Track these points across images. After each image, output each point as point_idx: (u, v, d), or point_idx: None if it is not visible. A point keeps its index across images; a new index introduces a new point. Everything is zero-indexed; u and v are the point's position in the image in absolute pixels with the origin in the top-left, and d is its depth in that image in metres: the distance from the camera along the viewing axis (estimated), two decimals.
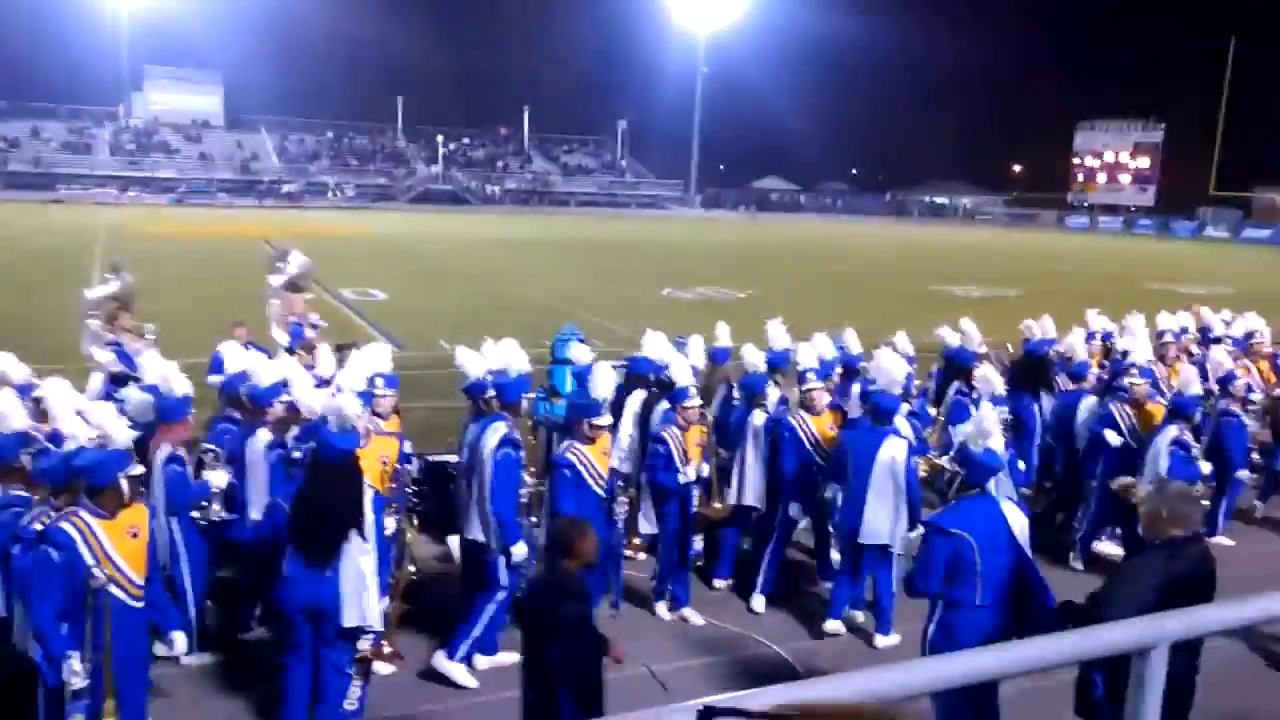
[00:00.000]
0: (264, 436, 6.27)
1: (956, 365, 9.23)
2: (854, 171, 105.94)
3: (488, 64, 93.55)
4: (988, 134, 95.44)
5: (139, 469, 4.87)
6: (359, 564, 5.05)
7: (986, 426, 5.08)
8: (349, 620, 5.04)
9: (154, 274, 16.53)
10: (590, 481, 6.39)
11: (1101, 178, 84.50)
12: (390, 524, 5.98)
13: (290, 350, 9.37)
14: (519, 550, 6.05)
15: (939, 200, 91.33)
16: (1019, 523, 4.93)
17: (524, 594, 5.17)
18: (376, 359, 6.78)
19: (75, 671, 4.43)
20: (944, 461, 5.23)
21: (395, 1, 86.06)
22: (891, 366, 7.09)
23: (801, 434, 7.26)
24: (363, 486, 5.27)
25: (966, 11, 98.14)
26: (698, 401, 7.20)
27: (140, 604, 4.73)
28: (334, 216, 52.22)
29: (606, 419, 6.59)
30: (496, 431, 6.12)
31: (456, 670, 5.96)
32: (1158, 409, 8.22)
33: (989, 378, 8.26)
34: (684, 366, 7.44)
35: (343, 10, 77.76)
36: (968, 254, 44.98)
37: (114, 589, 4.56)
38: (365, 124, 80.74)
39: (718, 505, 7.41)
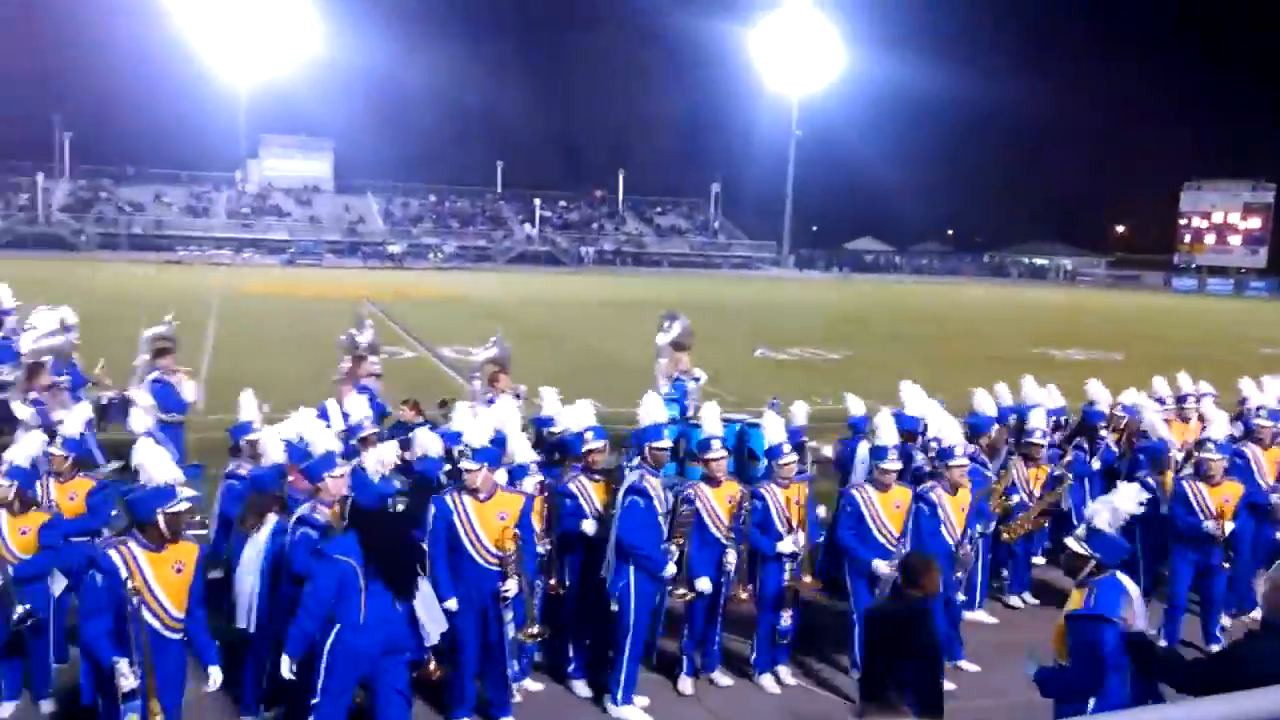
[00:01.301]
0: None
1: (1084, 424, 9.78)
2: (950, 232, 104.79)
3: (584, 128, 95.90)
4: (1089, 194, 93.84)
5: (182, 505, 5.08)
6: (424, 591, 5.54)
7: (1122, 510, 5.00)
8: (432, 639, 5.55)
9: (261, 330, 17.26)
10: (709, 523, 6.77)
11: (1210, 239, 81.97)
12: (511, 585, 6.08)
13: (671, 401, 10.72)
14: (669, 570, 6.52)
15: (1039, 261, 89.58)
16: (1137, 594, 4.87)
17: (870, 622, 5.62)
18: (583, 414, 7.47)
19: (124, 674, 4.75)
20: (1075, 545, 4.97)
21: (495, 70, 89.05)
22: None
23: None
24: (407, 526, 5.69)
25: (1067, 70, 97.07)
26: (793, 459, 7.15)
27: (177, 635, 5.02)
28: (435, 277, 53.68)
29: (719, 453, 6.90)
30: (627, 480, 6.68)
31: (629, 711, 6.53)
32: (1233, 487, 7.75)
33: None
34: (776, 425, 7.45)
35: (446, 80, 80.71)
36: (1069, 316, 43.95)
37: (148, 616, 4.87)
38: (466, 188, 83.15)
39: (807, 580, 7.09)
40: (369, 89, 78.17)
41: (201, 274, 47.32)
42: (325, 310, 16.36)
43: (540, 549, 6.63)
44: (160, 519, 4.94)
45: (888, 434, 7.15)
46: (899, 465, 7.11)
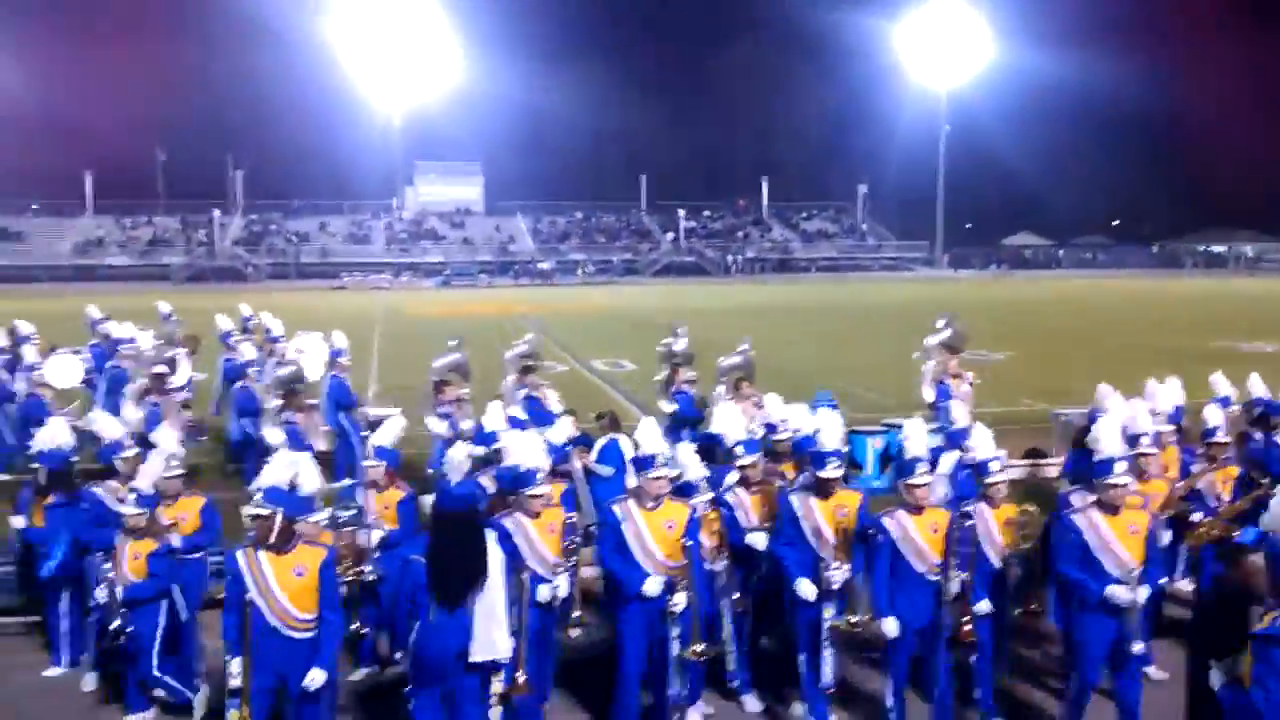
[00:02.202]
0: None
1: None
2: (1115, 223, 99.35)
3: (726, 137, 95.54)
4: (1272, 174, 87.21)
5: (320, 515, 5.90)
6: (489, 602, 5.29)
7: None
8: (475, 655, 5.24)
9: (427, 348, 17.93)
10: (809, 536, 6.34)
11: None
12: (680, 599, 6.02)
13: (933, 406, 10.69)
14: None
15: (1216, 249, 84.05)
16: None
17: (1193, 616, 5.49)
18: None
19: (233, 674, 5.26)
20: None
21: (635, 86, 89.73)
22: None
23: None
24: (483, 535, 5.47)
25: (1232, 46, 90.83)
26: (1002, 477, 6.52)
27: (299, 634, 5.39)
28: (584, 292, 54.46)
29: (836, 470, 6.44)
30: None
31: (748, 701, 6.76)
32: None
33: None
34: (985, 437, 6.85)
35: (587, 98, 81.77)
36: (1254, 306, 41.00)
37: (267, 614, 5.34)
38: (611, 203, 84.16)
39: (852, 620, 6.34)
40: (514, 112, 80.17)
41: (365, 299, 49.32)
42: (483, 327, 16.76)
43: (716, 566, 6.51)
44: (277, 520, 5.45)
45: (1110, 443, 6.14)
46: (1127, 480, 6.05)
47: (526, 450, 6.34)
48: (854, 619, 6.22)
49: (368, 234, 75.85)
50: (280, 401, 10.73)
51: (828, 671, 6.18)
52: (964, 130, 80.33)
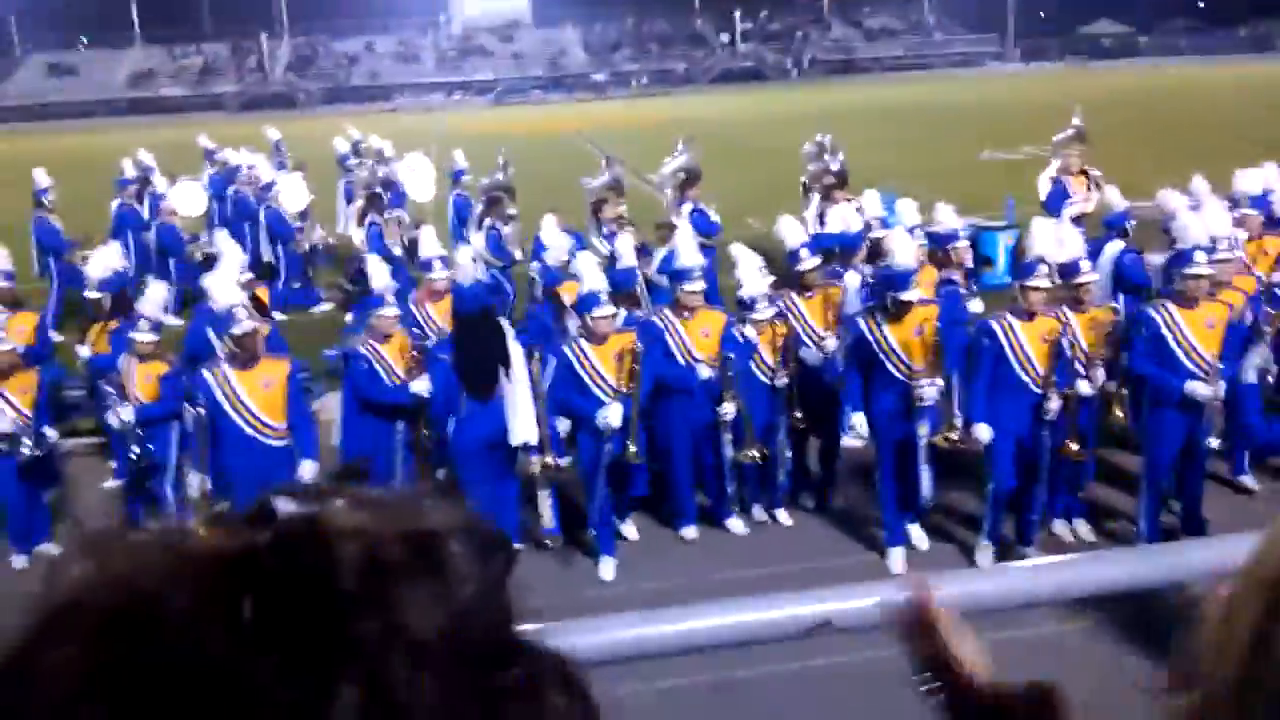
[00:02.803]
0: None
1: None
2: (1202, 3, 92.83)
3: None
4: None
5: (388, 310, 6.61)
6: (513, 395, 5.75)
7: None
8: (514, 439, 5.79)
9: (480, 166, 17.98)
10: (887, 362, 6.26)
11: None
12: (729, 408, 6.35)
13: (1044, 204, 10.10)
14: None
15: None
16: None
17: None
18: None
19: (192, 485, 5.99)
20: None
21: None
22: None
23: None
24: (500, 329, 5.92)
25: None
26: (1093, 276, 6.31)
27: (276, 442, 5.81)
28: (639, 104, 53.03)
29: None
30: None
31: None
32: None
33: None
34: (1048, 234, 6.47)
35: None
36: None
37: (244, 428, 5.77)
38: (663, 8, 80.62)
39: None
40: None
41: (418, 120, 48.66)
42: (538, 147, 16.48)
43: (778, 381, 6.63)
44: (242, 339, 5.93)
45: (1191, 232, 5.90)
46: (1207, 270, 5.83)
47: (590, 272, 6.42)
48: (952, 434, 6.22)
49: (416, 53, 74.13)
50: (362, 204, 11.05)
51: (927, 487, 6.14)
52: None
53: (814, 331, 6.82)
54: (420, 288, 7.89)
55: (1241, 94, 39.05)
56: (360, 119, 50.40)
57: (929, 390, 5.94)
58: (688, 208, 10.98)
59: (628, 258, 7.61)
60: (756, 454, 6.31)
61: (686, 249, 6.72)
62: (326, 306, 12.92)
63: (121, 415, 6.38)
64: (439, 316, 7.34)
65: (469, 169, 12.79)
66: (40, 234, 12.63)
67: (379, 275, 7.09)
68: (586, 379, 6.05)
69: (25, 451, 6.25)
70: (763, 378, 6.53)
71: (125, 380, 6.51)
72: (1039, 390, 5.72)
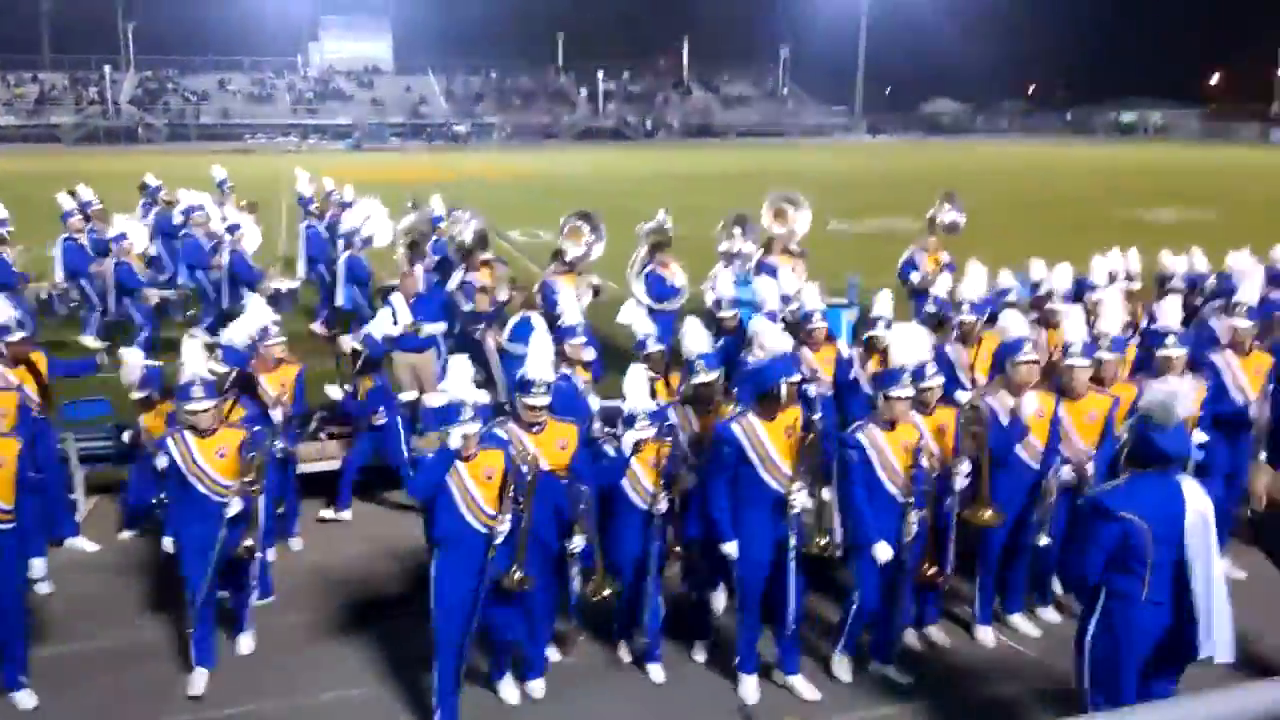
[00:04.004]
0: None
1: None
2: (1031, 89, 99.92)
3: None
4: (1180, 42, 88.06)
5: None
6: None
7: (1179, 402, 4.18)
8: None
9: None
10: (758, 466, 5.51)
11: None
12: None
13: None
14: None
15: (1126, 117, 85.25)
16: (1202, 509, 4.20)
17: None
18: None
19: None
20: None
21: None
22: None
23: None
24: None
25: None
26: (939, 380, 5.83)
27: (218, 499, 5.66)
28: (499, 157, 53.18)
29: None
30: None
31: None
32: None
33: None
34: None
35: None
36: (1159, 174, 42.01)
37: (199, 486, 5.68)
38: (527, 62, 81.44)
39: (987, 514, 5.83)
40: None
41: (272, 163, 47.49)
42: (400, 195, 16.30)
43: (656, 508, 5.69)
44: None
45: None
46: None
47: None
48: (822, 541, 5.55)
49: (271, 93, 72.41)
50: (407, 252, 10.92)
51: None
52: None
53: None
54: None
55: (1067, 173, 42.02)
56: (211, 158, 48.98)
57: (802, 496, 5.37)
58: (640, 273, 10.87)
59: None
60: (609, 591, 5.54)
61: (538, 353, 5.55)
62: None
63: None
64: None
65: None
66: None
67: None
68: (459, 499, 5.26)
69: None
70: (638, 502, 5.62)
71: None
72: (905, 502, 5.50)
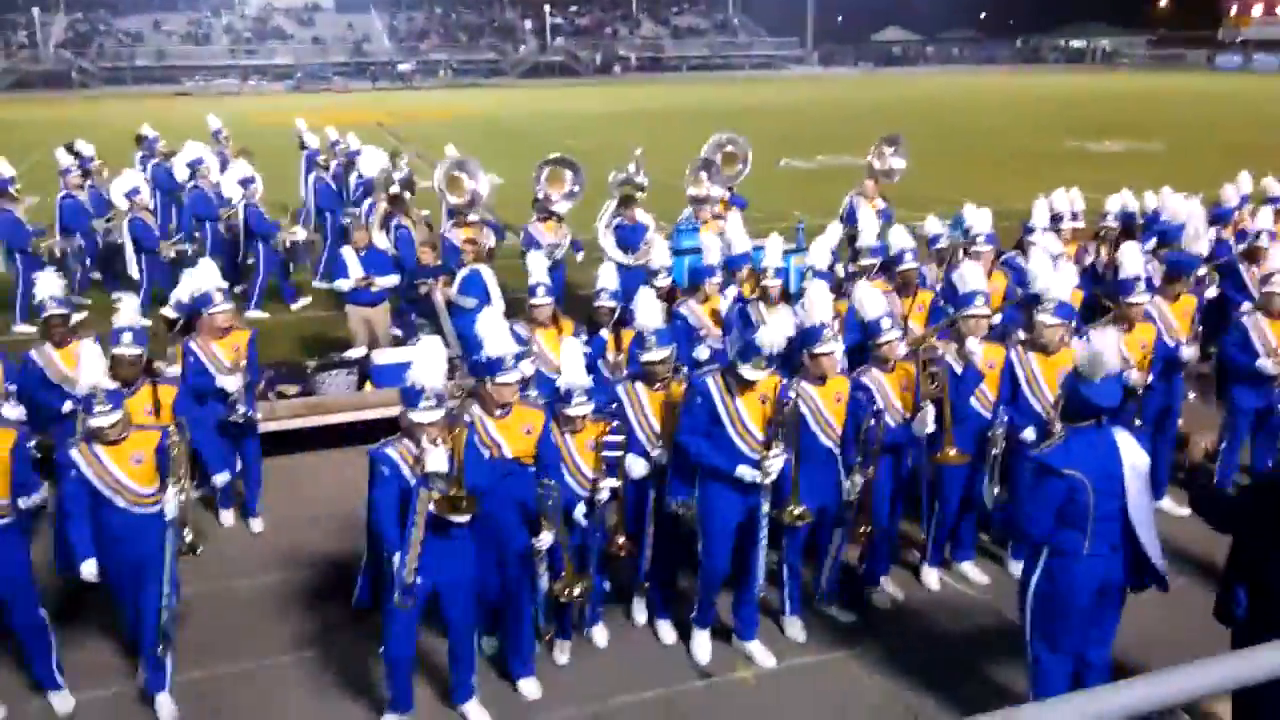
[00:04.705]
0: None
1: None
2: (982, 16, 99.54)
3: None
4: None
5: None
6: None
7: (1105, 356, 4.25)
8: None
9: (286, 165, 17.29)
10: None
11: (1257, 9, 77.50)
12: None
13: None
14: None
15: (1075, 44, 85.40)
16: (1135, 460, 4.30)
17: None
18: None
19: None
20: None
21: None
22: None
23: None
24: None
25: None
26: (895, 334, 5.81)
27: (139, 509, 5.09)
28: (446, 96, 52.15)
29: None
30: None
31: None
32: None
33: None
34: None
35: None
36: (1105, 103, 42.24)
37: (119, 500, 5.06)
38: None
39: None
40: None
41: (210, 105, 46.17)
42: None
43: (598, 495, 5.38)
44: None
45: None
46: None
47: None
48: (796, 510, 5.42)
49: (208, 33, 70.15)
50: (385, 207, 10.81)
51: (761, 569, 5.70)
52: None
53: (651, 430, 5.66)
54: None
55: (1010, 105, 42.11)
56: (146, 101, 47.69)
57: (776, 464, 5.22)
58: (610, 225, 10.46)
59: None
60: (579, 591, 5.19)
61: (492, 330, 5.17)
62: (305, 302, 12.88)
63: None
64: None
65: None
66: (2, 227, 11.59)
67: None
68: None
69: None
70: (577, 488, 5.28)
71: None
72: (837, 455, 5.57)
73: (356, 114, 35.62)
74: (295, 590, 6.47)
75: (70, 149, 13.83)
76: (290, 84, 59.80)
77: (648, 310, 5.80)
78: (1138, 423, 6.33)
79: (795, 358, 5.61)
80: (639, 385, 5.69)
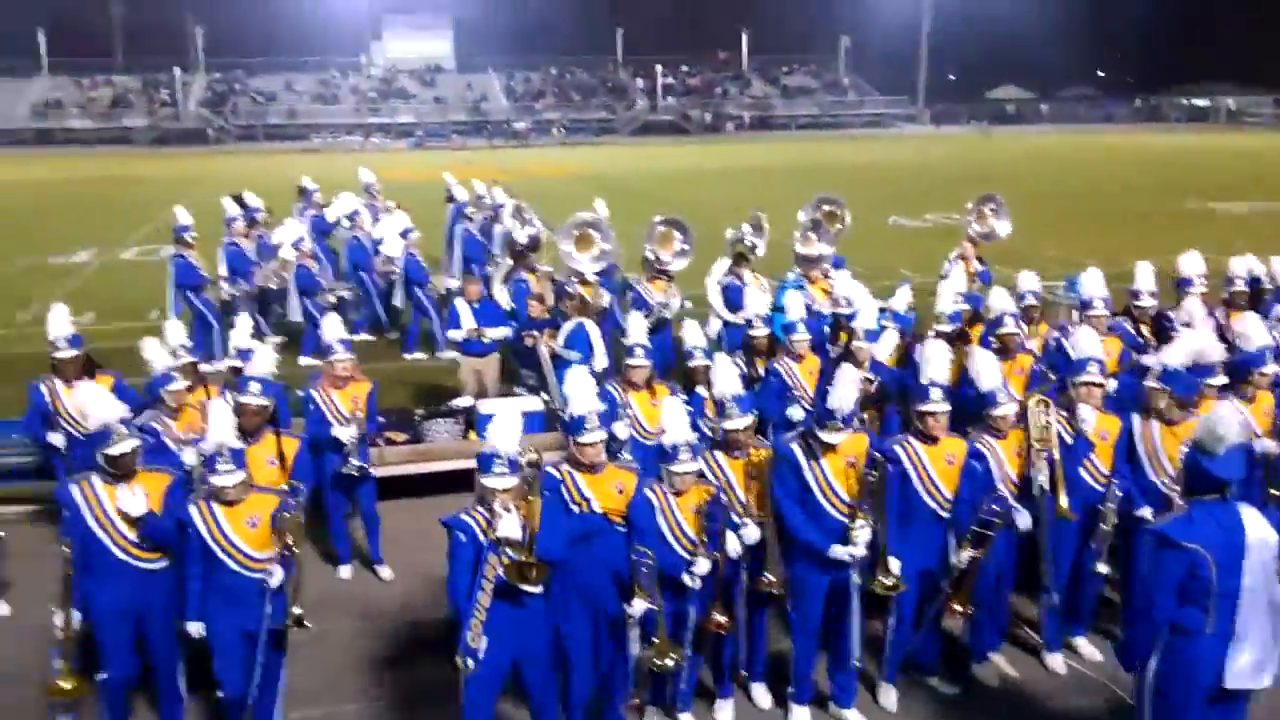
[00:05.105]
0: None
1: None
2: (1100, 74, 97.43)
3: None
4: (1259, 21, 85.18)
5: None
6: None
7: (1225, 427, 4.07)
8: None
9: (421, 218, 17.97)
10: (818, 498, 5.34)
11: None
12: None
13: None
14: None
15: (1199, 103, 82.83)
16: (1262, 536, 4.10)
17: None
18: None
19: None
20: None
21: None
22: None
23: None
24: None
25: None
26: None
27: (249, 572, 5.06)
28: (559, 153, 53.41)
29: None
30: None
31: None
32: None
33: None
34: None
35: None
36: (1231, 164, 40.76)
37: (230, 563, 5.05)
38: (586, 58, 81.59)
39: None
40: None
41: (338, 161, 48.25)
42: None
43: (695, 567, 5.15)
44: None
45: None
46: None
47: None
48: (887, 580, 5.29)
49: (335, 93, 73.57)
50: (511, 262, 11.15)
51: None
52: None
53: (737, 501, 5.39)
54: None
55: (1129, 165, 40.98)
56: (276, 157, 50.08)
57: (864, 533, 5.12)
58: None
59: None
60: (672, 660, 4.99)
61: (578, 388, 5.25)
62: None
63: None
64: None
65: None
66: (179, 272, 12.40)
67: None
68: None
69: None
70: (681, 552, 5.08)
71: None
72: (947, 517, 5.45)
73: (474, 170, 36.71)
74: (385, 638, 6.55)
75: (238, 200, 14.65)
76: (411, 141, 62.04)
77: (725, 377, 5.61)
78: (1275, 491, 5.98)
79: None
80: (719, 454, 5.48)
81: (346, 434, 7.04)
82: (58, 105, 67.65)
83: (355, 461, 7.09)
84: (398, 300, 13.46)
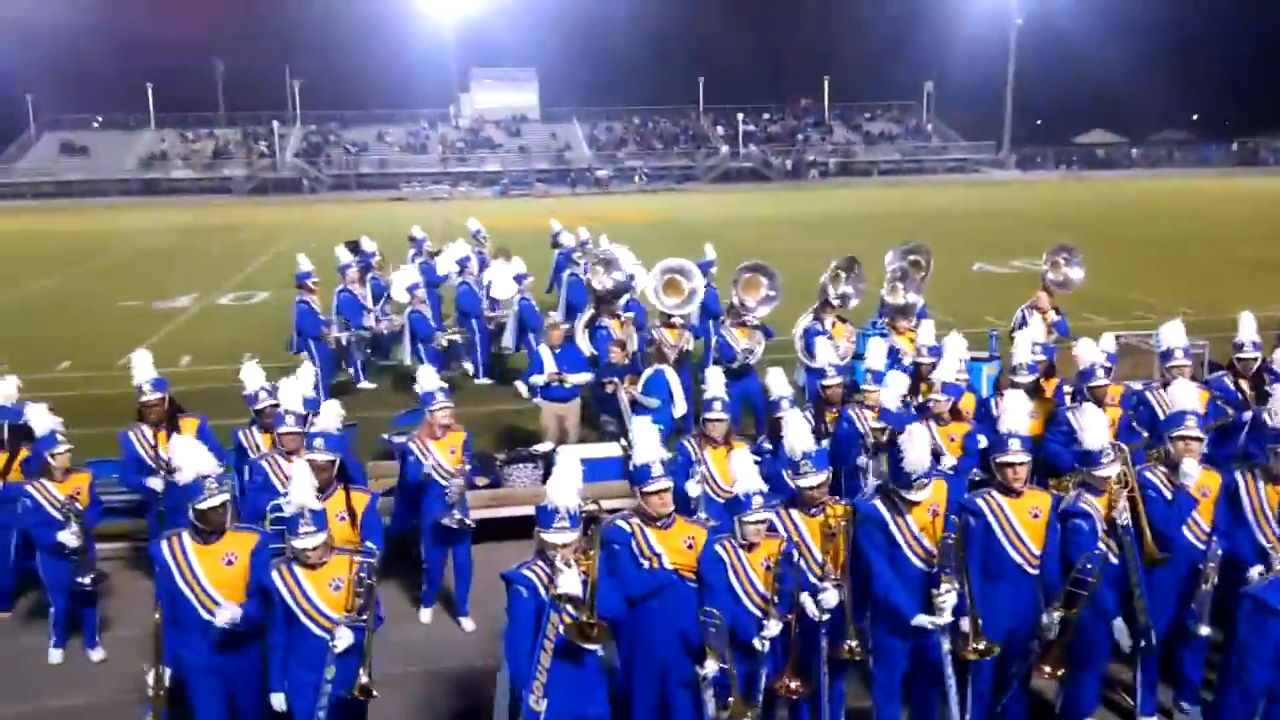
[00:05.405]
0: None
1: None
2: (1194, 117, 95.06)
3: (787, 36, 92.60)
4: None
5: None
6: None
7: None
8: None
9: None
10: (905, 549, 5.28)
11: None
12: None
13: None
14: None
15: None
16: None
17: None
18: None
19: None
20: None
21: None
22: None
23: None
24: None
25: None
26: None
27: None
28: (640, 200, 53.94)
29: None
30: None
31: None
32: None
33: None
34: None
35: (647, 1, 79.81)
36: None
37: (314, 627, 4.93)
38: (668, 107, 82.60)
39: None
40: (570, 14, 78.61)
41: (424, 210, 49.44)
42: (543, 240, 16.97)
43: (767, 629, 5.06)
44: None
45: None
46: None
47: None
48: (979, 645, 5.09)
49: (424, 143, 75.65)
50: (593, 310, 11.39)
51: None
52: (1036, 21, 76.90)
53: (813, 560, 5.18)
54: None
55: (1231, 208, 39.76)
56: (367, 206, 51.64)
57: (950, 598, 4.96)
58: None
59: None
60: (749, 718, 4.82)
61: (643, 438, 5.18)
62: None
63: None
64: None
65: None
66: (300, 317, 12.98)
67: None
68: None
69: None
70: (751, 608, 4.96)
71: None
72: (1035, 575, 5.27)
73: (557, 217, 37.31)
74: (456, 689, 6.50)
75: (352, 247, 15.11)
76: (496, 189, 63.32)
77: (797, 432, 5.39)
78: None
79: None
80: (794, 512, 5.25)
81: (455, 486, 6.96)
82: (163, 157, 70.85)
83: (457, 515, 7.02)
84: (509, 341, 13.68)
